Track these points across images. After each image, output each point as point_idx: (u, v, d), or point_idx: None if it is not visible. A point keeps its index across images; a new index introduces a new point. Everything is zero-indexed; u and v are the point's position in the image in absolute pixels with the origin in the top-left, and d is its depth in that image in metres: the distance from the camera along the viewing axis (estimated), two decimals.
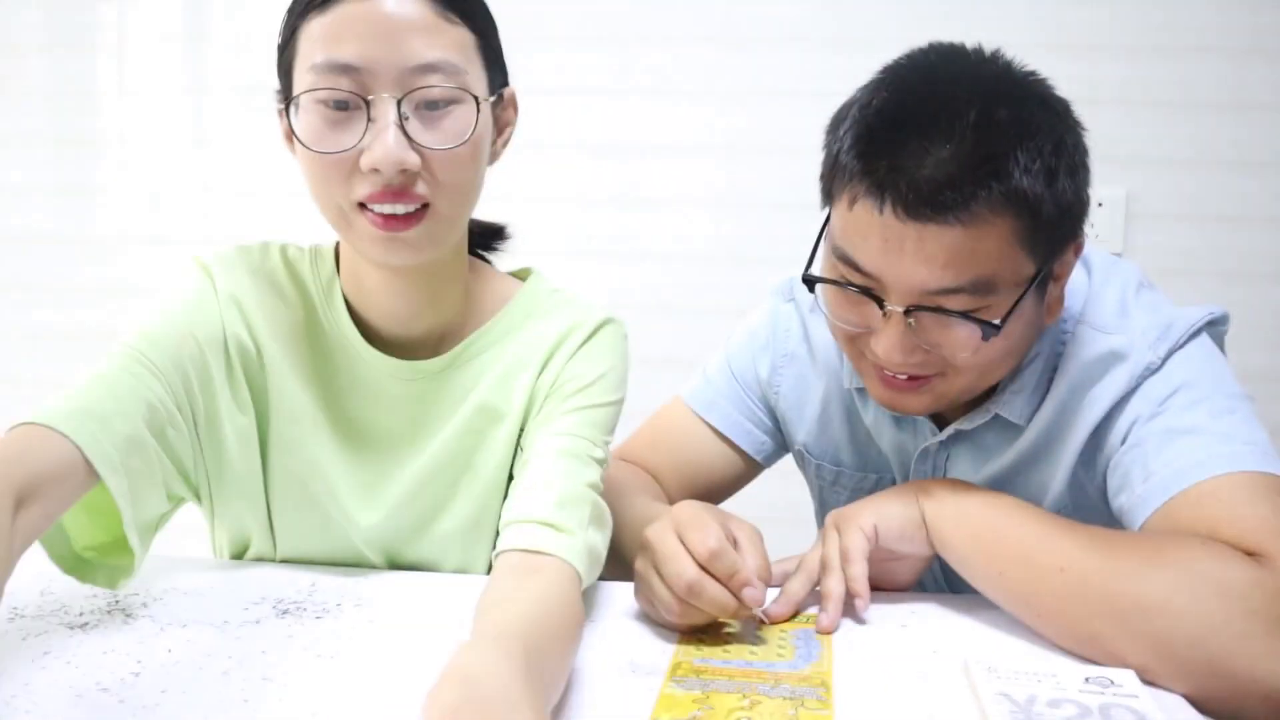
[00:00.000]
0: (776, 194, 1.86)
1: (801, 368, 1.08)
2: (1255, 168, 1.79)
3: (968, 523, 0.83)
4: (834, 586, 0.83)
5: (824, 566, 0.85)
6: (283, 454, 0.92)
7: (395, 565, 0.95)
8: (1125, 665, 0.72)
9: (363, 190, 0.80)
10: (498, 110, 0.88)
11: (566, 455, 0.86)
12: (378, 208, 0.80)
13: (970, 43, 0.88)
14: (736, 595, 0.76)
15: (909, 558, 0.87)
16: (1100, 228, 1.80)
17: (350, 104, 0.79)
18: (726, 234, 1.92)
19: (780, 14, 1.86)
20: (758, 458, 1.12)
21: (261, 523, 0.94)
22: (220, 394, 0.88)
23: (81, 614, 0.83)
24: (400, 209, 0.80)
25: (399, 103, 0.78)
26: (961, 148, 0.78)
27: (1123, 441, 0.86)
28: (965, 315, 0.81)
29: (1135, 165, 1.80)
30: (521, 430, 0.92)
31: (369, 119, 0.78)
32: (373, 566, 0.95)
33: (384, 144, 0.77)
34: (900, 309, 0.82)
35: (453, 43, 0.80)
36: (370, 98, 0.78)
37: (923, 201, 0.78)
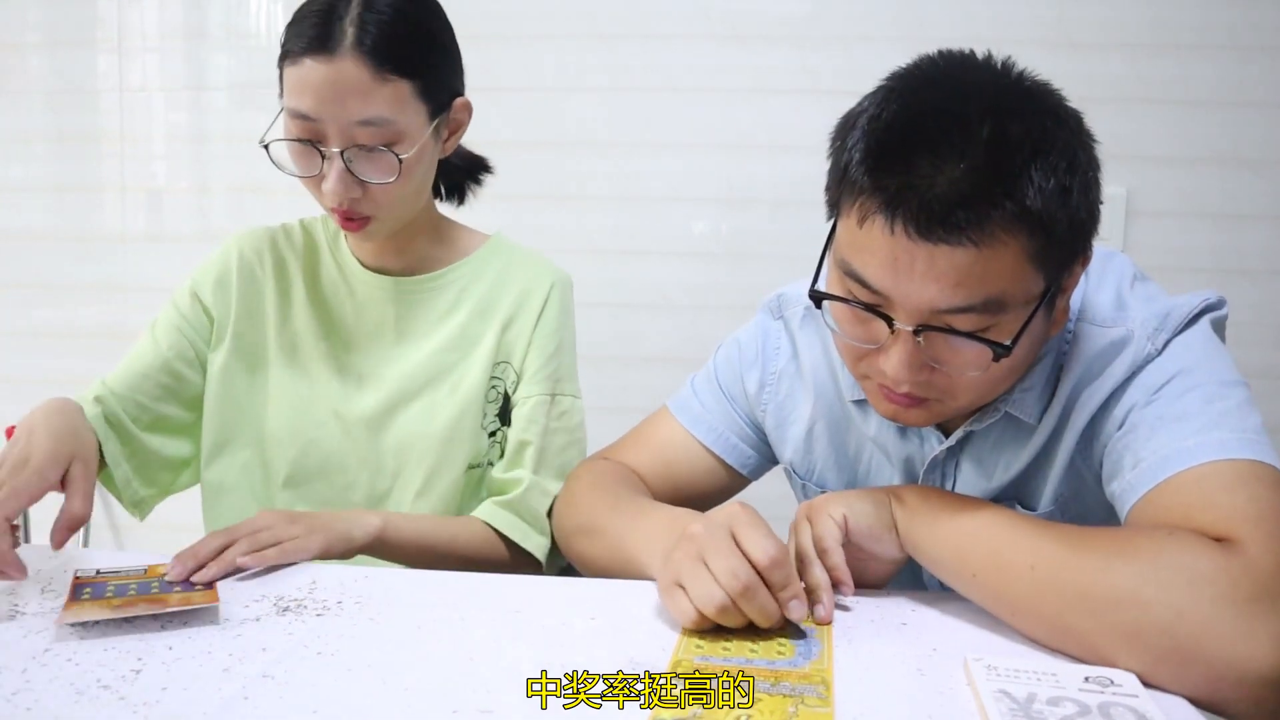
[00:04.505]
0: (777, 191, 1.86)
1: (790, 385, 1.07)
2: (1255, 165, 1.79)
3: (939, 528, 0.84)
4: (819, 576, 0.84)
5: (801, 559, 0.86)
6: (282, 352, 1.17)
7: (371, 462, 1.15)
8: (1102, 659, 0.72)
9: (327, 202, 1.07)
10: (445, 119, 1.10)
11: (549, 432, 1.15)
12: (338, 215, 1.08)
13: (978, 46, 0.86)
14: (782, 607, 0.78)
15: (878, 558, 0.88)
16: (1100, 225, 1.80)
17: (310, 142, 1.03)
18: (727, 231, 1.92)
19: (782, 11, 1.86)
20: (743, 471, 1.12)
21: (257, 418, 1.17)
22: (231, 315, 1.18)
23: None
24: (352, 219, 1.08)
25: (342, 152, 1.02)
26: (974, 165, 0.76)
27: (1119, 427, 0.86)
28: (974, 336, 0.80)
29: (1135, 163, 1.81)
30: (496, 364, 1.17)
31: (323, 156, 1.03)
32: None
33: (331, 183, 1.04)
34: (909, 328, 0.81)
35: (386, 99, 1.03)
36: (323, 148, 1.03)
37: (935, 221, 0.76)
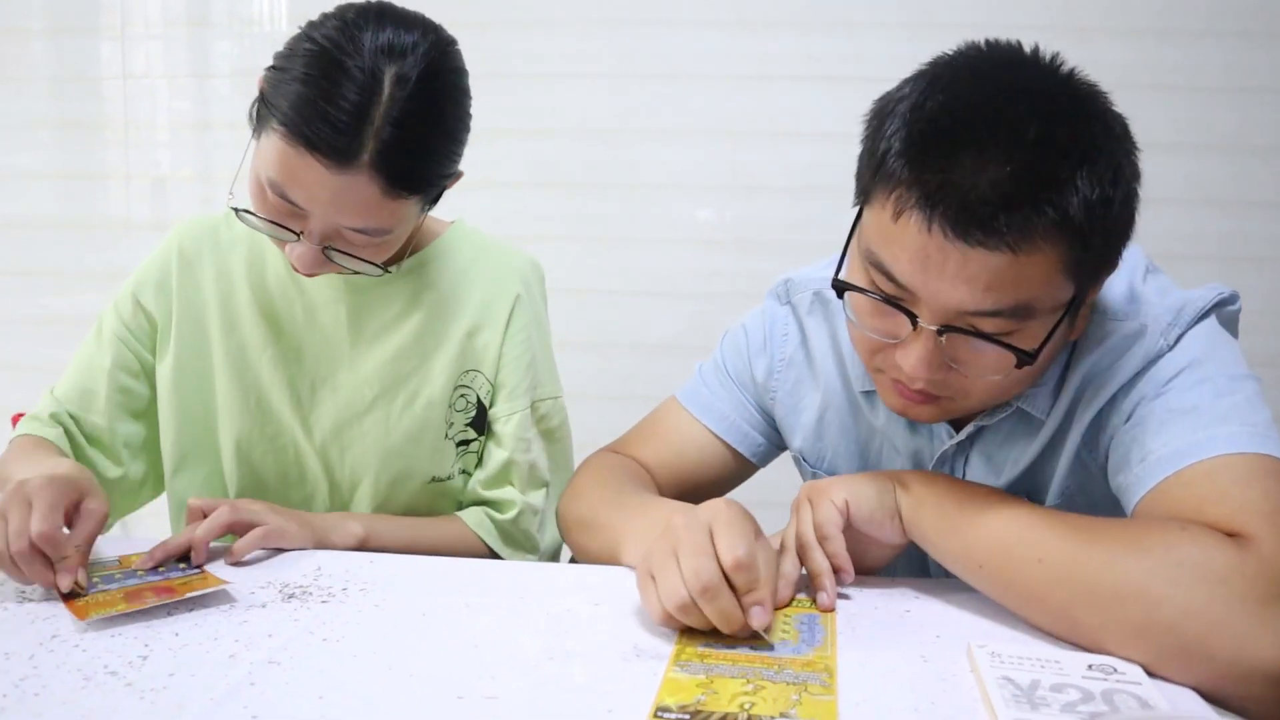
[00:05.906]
0: (781, 179, 1.85)
1: (799, 373, 1.06)
2: (1263, 152, 1.79)
3: (945, 517, 0.83)
4: (819, 562, 0.84)
5: (801, 544, 0.86)
6: (228, 361, 1.09)
7: (330, 474, 1.11)
8: (1107, 651, 0.72)
9: (291, 262, 0.97)
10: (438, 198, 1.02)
11: (526, 447, 1.11)
12: None
13: (982, 32, 0.84)
14: (744, 610, 0.74)
15: (879, 543, 0.87)
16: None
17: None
18: (731, 218, 1.92)
19: None
20: (752, 458, 1.11)
21: (210, 430, 1.11)
22: (173, 319, 1.10)
23: None
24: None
25: (323, 247, 0.94)
26: (1020, 168, 0.73)
27: (1126, 420, 0.85)
28: (998, 341, 0.79)
29: (1142, 149, 1.79)
30: (464, 372, 1.10)
31: (298, 232, 0.94)
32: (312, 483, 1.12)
33: (304, 261, 0.95)
34: (933, 327, 0.79)
35: (390, 214, 0.94)
36: (299, 231, 0.93)
37: (974, 223, 0.74)
